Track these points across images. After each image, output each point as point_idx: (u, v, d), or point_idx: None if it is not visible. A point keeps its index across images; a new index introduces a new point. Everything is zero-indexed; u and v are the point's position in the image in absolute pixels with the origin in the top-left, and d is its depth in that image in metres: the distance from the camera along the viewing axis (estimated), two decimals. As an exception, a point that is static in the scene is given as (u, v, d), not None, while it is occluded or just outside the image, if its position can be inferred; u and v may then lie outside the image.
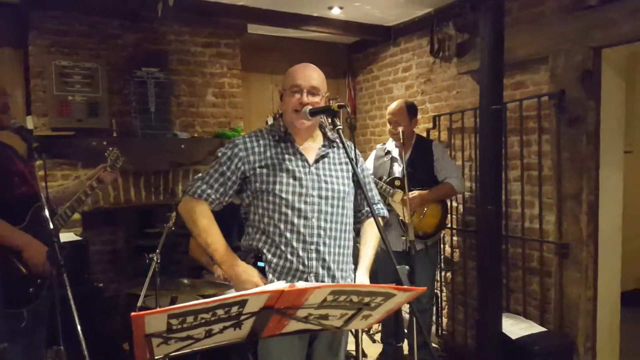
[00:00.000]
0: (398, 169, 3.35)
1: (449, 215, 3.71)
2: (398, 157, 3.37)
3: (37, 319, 2.12)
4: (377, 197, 2.08)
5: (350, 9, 4.00)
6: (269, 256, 1.82)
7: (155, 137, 3.70)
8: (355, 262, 1.97)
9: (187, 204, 1.85)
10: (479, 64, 2.92)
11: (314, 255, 1.80)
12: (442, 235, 3.98)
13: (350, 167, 1.89)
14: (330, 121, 1.77)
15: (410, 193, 3.18)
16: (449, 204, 3.89)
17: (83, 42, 3.62)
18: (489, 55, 2.78)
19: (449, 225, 3.94)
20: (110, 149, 2.50)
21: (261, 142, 1.88)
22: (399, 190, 3.22)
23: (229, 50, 4.21)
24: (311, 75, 1.85)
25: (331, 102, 1.84)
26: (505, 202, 3.34)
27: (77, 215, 3.56)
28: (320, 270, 1.81)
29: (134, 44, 3.81)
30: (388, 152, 3.42)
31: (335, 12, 4.05)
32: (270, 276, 1.81)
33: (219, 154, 1.88)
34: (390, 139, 3.45)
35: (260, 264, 1.82)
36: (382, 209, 2.08)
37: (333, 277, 1.84)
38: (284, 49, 4.59)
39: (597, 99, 2.97)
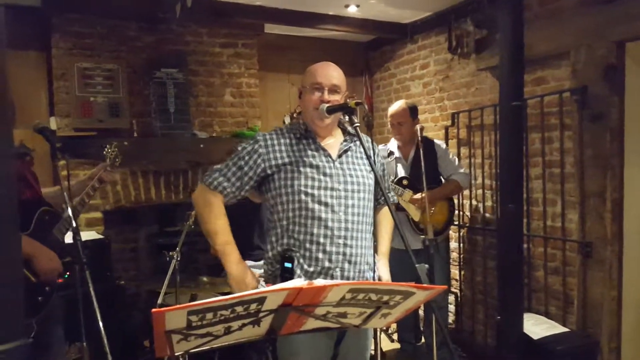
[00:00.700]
0: (402, 170, 3.38)
1: (456, 212, 3.71)
2: (402, 157, 3.41)
3: (47, 325, 2.06)
4: (390, 187, 2.25)
5: (366, 7, 3.98)
6: (296, 257, 1.81)
7: (174, 137, 3.75)
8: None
9: (203, 196, 1.89)
10: (499, 60, 2.88)
11: (341, 249, 1.80)
12: (461, 233, 3.96)
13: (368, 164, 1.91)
14: (347, 119, 1.77)
15: (417, 194, 3.20)
16: (467, 202, 3.86)
17: (104, 45, 3.68)
18: (508, 51, 2.73)
19: (468, 224, 3.90)
20: (108, 146, 2.37)
21: (282, 140, 1.88)
22: (408, 190, 3.23)
23: (247, 50, 4.23)
24: (332, 73, 1.86)
25: (349, 100, 1.83)
26: (526, 201, 3.29)
27: (99, 214, 3.63)
28: (346, 265, 1.81)
29: (153, 46, 3.86)
30: (391, 153, 3.43)
31: (352, 11, 4.04)
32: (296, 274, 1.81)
33: (239, 148, 1.90)
34: (393, 140, 3.46)
35: (287, 264, 1.81)
36: (393, 196, 2.28)
37: (359, 272, 1.84)
38: (300, 48, 4.60)
39: (621, 95, 2.89)
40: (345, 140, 1.93)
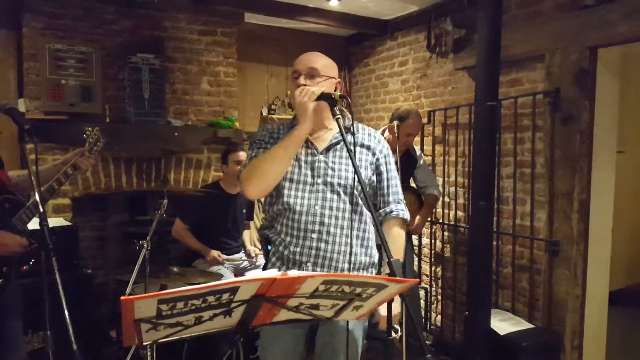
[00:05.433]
0: None
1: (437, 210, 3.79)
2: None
3: (2, 319, 1.98)
4: (398, 196, 1.90)
5: (348, 1, 3.97)
6: (274, 243, 1.84)
7: (148, 124, 3.67)
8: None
9: (248, 170, 1.80)
10: (476, 60, 2.92)
11: (314, 244, 1.76)
12: (433, 229, 4.01)
13: (370, 156, 1.85)
14: (331, 110, 1.68)
15: (415, 222, 3.36)
16: (440, 199, 3.91)
17: (78, 26, 3.57)
18: (485, 51, 2.77)
19: (440, 221, 3.96)
20: (90, 129, 2.22)
21: (283, 131, 1.87)
22: None
23: (226, 39, 4.17)
24: (309, 58, 1.80)
25: (336, 91, 1.78)
26: (497, 199, 3.36)
27: (67, 200, 3.54)
28: (320, 260, 1.77)
29: (130, 30, 3.76)
30: None
31: (333, 4, 4.02)
32: (273, 259, 1.84)
33: (259, 137, 1.89)
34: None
35: (269, 247, 1.87)
36: (403, 210, 1.89)
37: (334, 270, 1.77)
38: (280, 40, 4.57)
39: (592, 99, 2.97)
40: (338, 135, 1.80)
